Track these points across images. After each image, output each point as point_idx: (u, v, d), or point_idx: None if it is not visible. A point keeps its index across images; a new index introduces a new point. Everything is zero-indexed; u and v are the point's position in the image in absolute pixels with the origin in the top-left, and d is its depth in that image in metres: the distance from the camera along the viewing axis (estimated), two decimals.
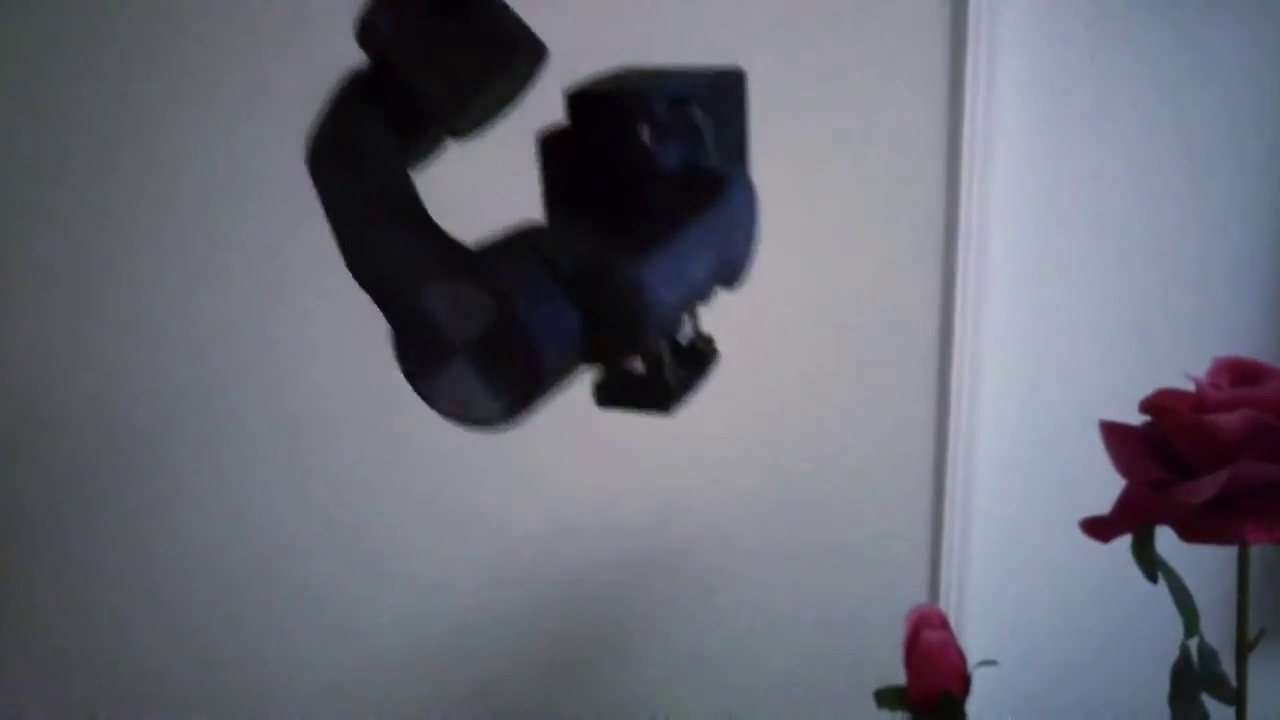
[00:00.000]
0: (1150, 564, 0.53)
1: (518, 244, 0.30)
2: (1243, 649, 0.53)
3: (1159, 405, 0.52)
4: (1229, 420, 0.48)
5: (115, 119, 0.75)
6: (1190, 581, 0.55)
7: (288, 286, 0.78)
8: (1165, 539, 0.52)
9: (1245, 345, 0.84)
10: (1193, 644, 0.54)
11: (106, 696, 0.88)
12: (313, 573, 0.86)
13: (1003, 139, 0.79)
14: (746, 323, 0.72)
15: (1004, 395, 0.85)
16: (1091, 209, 0.82)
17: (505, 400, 0.29)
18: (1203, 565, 0.56)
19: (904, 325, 0.83)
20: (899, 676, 0.64)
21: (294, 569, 0.85)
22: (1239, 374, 0.52)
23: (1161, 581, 0.54)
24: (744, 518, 0.87)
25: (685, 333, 0.37)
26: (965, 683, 0.62)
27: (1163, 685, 0.54)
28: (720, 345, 0.39)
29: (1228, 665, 0.54)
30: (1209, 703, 0.54)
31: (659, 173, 0.33)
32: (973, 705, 0.62)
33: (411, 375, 0.30)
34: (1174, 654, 0.54)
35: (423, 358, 0.29)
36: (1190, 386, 0.51)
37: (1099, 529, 0.52)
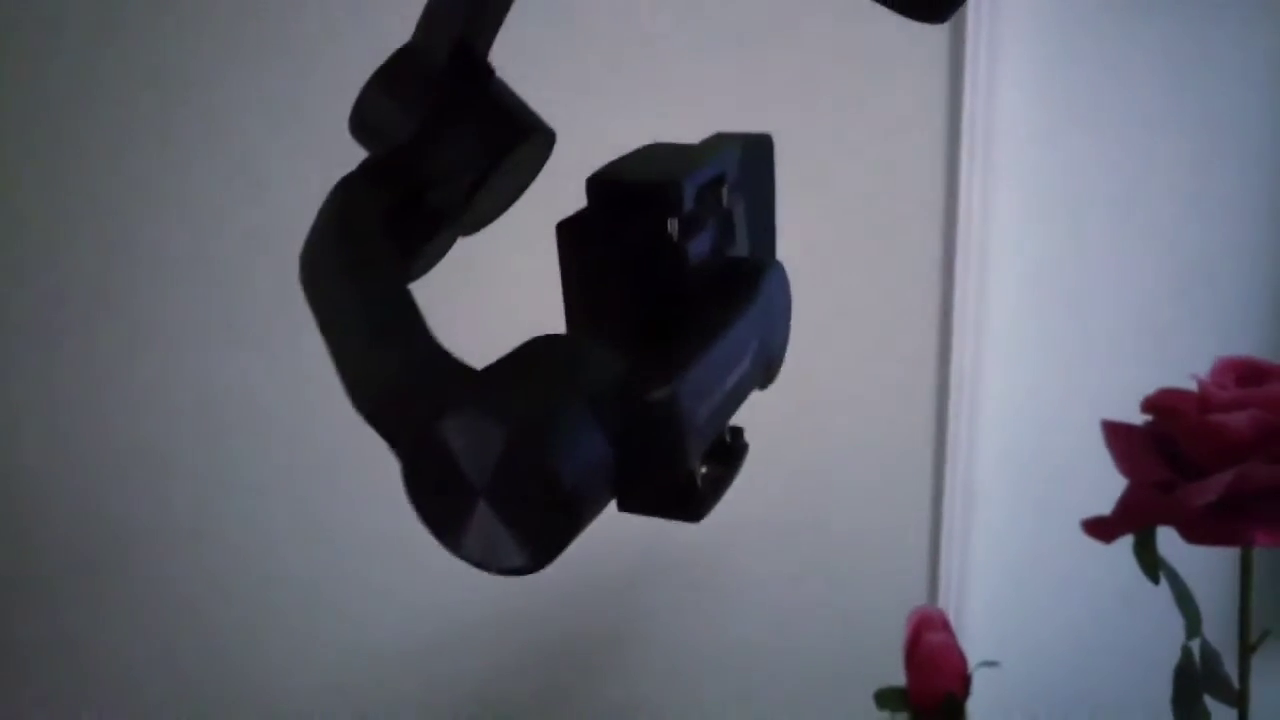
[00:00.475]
0: (1152, 565, 0.53)
1: (535, 365, 0.26)
2: (1245, 650, 0.53)
3: (1161, 405, 0.52)
4: (1236, 420, 0.48)
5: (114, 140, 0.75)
6: (1191, 582, 0.55)
7: (288, 286, 0.77)
8: (1166, 539, 0.52)
9: (1246, 344, 0.84)
10: (1195, 645, 0.54)
11: (106, 696, 0.87)
12: (313, 573, 0.85)
13: (1003, 137, 0.79)
14: None
15: (1004, 395, 0.85)
16: (1092, 207, 0.82)
17: (533, 547, 0.25)
18: (1204, 566, 0.56)
19: (904, 325, 0.82)
20: (899, 677, 0.63)
21: (294, 569, 0.85)
22: (1243, 374, 0.52)
23: (1163, 582, 0.53)
24: (744, 518, 0.86)
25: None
26: (966, 684, 0.62)
27: (1165, 686, 0.54)
28: None
29: (1230, 666, 0.54)
30: (1211, 704, 0.53)
31: (688, 267, 0.30)
32: (974, 706, 0.62)
33: (429, 522, 0.26)
34: (1176, 655, 0.54)
35: (440, 502, 0.25)
36: (1193, 386, 0.51)
37: (1101, 529, 0.51)
